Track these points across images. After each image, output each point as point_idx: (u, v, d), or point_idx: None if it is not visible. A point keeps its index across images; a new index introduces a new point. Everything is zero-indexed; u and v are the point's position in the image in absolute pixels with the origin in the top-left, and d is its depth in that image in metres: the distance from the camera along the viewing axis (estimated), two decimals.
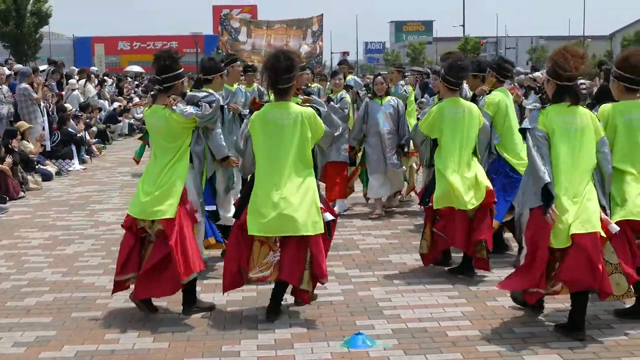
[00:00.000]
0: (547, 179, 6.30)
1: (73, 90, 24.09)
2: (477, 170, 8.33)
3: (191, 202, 7.21)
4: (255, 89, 12.01)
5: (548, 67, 6.77)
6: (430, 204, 8.40)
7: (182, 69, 7.32)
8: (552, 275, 6.51)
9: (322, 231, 6.94)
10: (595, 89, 18.41)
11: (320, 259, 6.91)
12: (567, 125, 6.52)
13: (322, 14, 24.95)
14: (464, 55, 9.41)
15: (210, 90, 8.42)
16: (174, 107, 7.09)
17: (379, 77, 12.26)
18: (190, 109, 7.14)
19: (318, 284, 7.18)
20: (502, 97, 9.09)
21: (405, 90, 13.03)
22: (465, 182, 8.19)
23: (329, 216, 7.07)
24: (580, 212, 6.37)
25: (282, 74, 6.92)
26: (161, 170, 7.13)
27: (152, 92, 7.41)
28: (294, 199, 6.85)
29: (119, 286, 7.29)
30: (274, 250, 6.97)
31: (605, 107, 7.02)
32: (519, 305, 7.17)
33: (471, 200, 8.17)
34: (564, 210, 6.34)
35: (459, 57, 9.23)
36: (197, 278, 7.26)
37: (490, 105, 8.96)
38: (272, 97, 7.36)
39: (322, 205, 7.03)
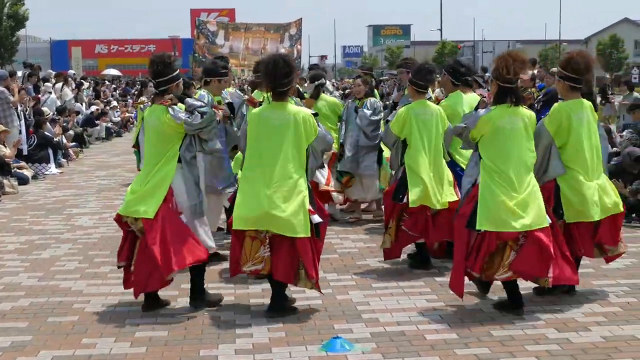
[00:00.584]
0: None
1: (50, 93, 23.97)
2: (446, 171, 8.76)
3: (177, 202, 7.23)
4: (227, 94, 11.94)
5: (492, 70, 7.34)
6: (404, 201, 8.55)
7: (177, 72, 7.46)
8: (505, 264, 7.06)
9: (308, 234, 6.95)
10: None
11: (307, 262, 6.97)
12: (510, 125, 7.06)
13: (301, 18, 24.97)
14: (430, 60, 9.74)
15: (203, 92, 8.48)
16: (169, 110, 7.14)
17: (358, 79, 12.22)
18: (182, 114, 7.17)
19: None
20: (453, 101, 9.36)
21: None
22: (436, 181, 8.55)
23: (317, 218, 7.08)
24: (530, 208, 6.94)
25: (281, 78, 7.05)
26: (149, 171, 7.23)
27: (151, 94, 7.57)
28: (281, 199, 6.91)
29: (127, 281, 7.51)
30: (265, 245, 7.04)
31: (558, 107, 7.50)
32: (496, 309, 7.24)
33: (441, 200, 8.55)
34: (518, 203, 6.92)
35: (415, 61, 9.52)
36: (205, 271, 7.48)
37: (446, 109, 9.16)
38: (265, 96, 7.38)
39: (310, 207, 7.05)
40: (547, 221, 7.02)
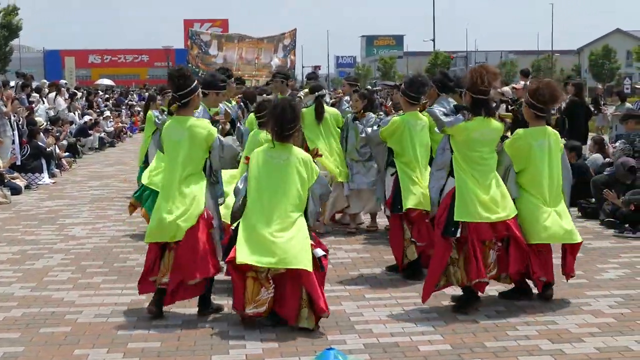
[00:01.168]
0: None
1: (40, 102, 23.92)
2: None
3: (207, 209, 7.39)
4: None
5: (466, 82, 7.67)
6: (403, 211, 8.69)
7: (196, 82, 7.67)
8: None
9: (310, 268, 6.93)
10: (563, 104, 18.61)
11: (316, 295, 6.94)
12: (482, 137, 7.49)
13: (295, 29, 25.07)
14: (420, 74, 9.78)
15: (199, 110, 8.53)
16: (218, 133, 7.57)
17: (355, 93, 12.11)
18: (230, 141, 7.59)
19: None
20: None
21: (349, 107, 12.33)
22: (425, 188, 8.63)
23: (319, 252, 7.13)
24: (501, 202, 7.47)
25: (287, 124, 7.22)
26: (180, 184, 7.36)
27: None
28: (284, 235, 6.97)
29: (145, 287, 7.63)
30: (267, 287, 7.03)
31: (520, 133, 7.87)
32: (491, 321, 7.25)
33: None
34: (488, 207, 7.39)
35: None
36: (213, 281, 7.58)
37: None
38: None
39: (312, 242, 7.11)
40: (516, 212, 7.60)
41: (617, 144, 14.07)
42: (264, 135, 8.90)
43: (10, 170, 16.84)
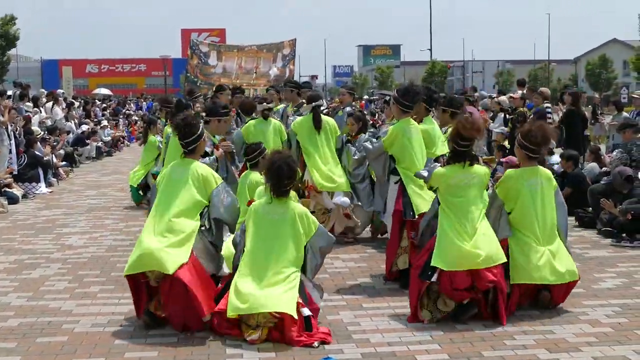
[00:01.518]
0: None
1: (37, 113, 23.92)
2: None
3: (195, 251, 7.40)
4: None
5: (450, 133, 7.95)
6: (415, 218, 8.72)
7: (201, 129, 7.90)
8: None
9: (294, 314, 6.91)
10: (560, 113, 18.67)
11: (294, 344, 6.88)
12: (465, 181, 7.70)
13: (295, 39, 25.09)
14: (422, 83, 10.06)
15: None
16: (220, 184, 7.68)
17: (350, 117, 12.15)
18: (227, 199, 7.66)
19: None
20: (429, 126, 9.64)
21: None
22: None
23: (306, 311, 7.13)
24: (482, 248, 7.45)
25: (284, 180, 7.37)
26: (171, 220, 7.42)
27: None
28: (273, 291, 7.01)
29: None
30: (259, 331, 7.02)
31: (509, 173, 8.11)
32: (488, 330, 7.25)
33: None
34: (468, 256, 7.41)
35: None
36: None
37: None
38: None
39: (300, 300, 7.11)
40: (502, 258, 7.59)
41: (614, 153, 14.07)
42: (256, 177, 9.11)
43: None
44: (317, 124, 11.55)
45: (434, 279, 7.43)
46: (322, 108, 12.12)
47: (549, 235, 7.93)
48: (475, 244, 7.44)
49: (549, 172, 8.26)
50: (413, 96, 9.11)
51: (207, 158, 8.72)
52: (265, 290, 7.00)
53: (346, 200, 11.20)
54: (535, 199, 7.91)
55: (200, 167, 7.69)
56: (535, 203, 7.90)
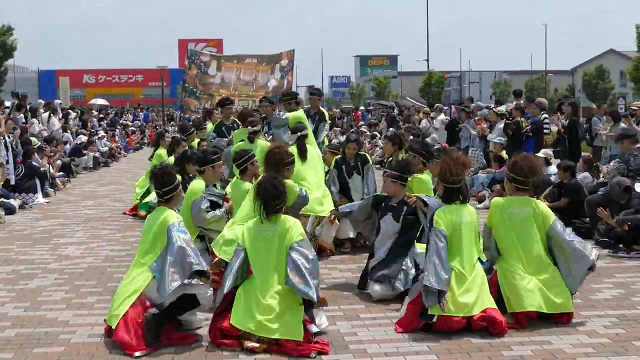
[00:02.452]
0: (444, 287, 7.43)
1: (34, 123, 23.93)
2: None
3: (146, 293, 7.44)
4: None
5: (438, 174, 8.21)
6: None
7: (178, 181, 7.98)
8: None
9: (300, 338, 6.94)
10: (559, 123, 18.68)
11: (292, 353, 6.89)
12: (460, 220, 7.84)
13: (293, 50, 25.07)
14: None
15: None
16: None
17: (351, 142, 12.58)
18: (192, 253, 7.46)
19: None
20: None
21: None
22: None
23: (314, 328, 7.18)
24: (478, 293, 7.55)
25: (272, 201, 7.45)
26: (136, 264, 7.64)
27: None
28: (276, 308, 7.05)
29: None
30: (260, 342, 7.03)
31: (494, 202, 8.25)
32: (485, 340, 7.25)
33: None
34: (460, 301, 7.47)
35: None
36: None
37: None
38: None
39: (307, 317, 7.14)
40: (492, 302, 7.59)
41: (611, 163, 14.09)
42: (247, 185, 9.17)
43: (4, 189, 16.81)
44: (302, 154, 11.66)
45: (434, 319, 7.43)
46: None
47: (536, 266, 7.89)
48: (468, 290, 7.54)
49: (547, 208, 8.22)
50: (410, 168, 9.36)
51: (217, 210, 8.98)
52: (274, 311, 7.03)
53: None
54: (517, 228, 7.96)
55: (165, 214, 7.64)
56: (517, 231, 7.94)
